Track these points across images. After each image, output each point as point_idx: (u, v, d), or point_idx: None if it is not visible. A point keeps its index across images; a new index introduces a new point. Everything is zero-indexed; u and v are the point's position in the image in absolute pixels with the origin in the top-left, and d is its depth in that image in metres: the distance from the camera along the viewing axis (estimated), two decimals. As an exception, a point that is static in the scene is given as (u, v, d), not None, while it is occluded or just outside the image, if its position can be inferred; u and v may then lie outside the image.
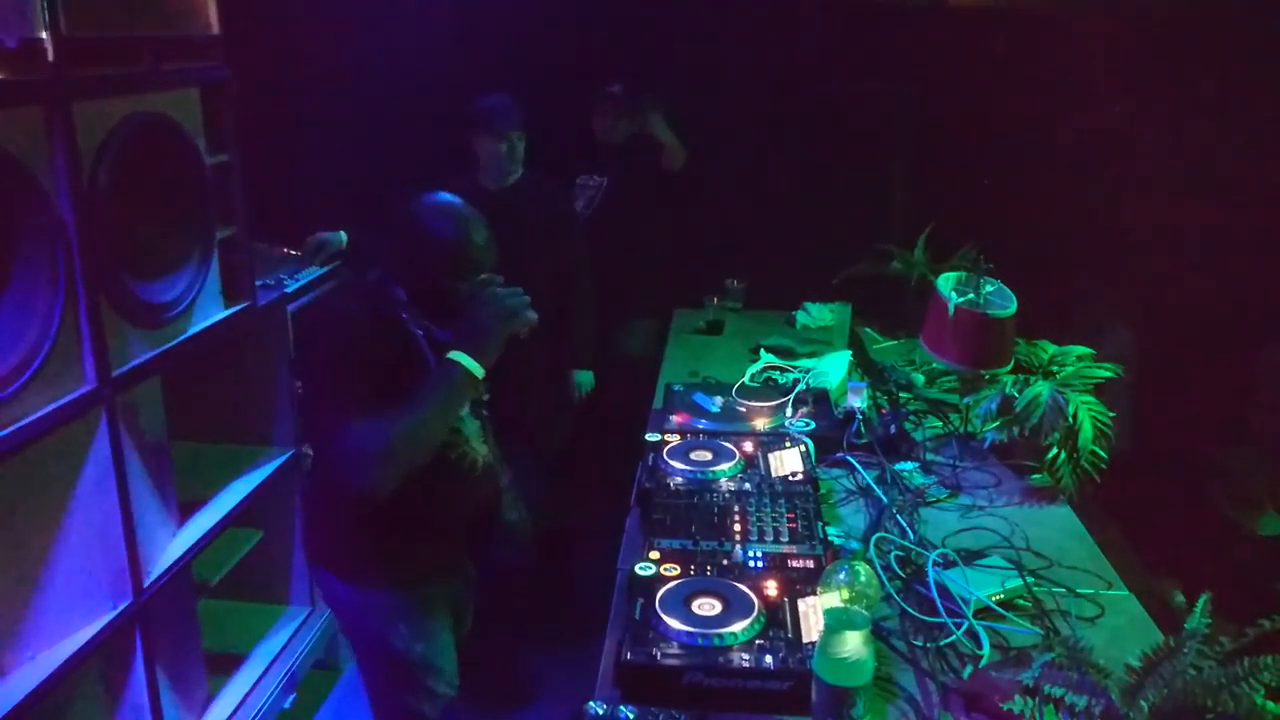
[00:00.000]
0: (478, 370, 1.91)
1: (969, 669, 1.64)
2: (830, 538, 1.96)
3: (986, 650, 1.69)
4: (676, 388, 2.79)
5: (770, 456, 2.28)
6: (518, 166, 3.32)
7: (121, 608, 2.09)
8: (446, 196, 2.06)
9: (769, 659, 1.56)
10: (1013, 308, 2.39)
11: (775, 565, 1.83)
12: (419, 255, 1.99)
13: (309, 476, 2.19)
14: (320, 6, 3.94)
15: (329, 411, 1.92)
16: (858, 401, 2.53)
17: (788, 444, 2.33)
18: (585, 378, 3.48)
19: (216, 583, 2.63)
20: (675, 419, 2.57)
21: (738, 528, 1.96)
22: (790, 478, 2.17)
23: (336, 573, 2.15)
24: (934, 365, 2.70)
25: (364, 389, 1.87)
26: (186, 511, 2.44)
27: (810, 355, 3.08)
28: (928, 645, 1.72)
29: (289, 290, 2.92)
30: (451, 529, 2.19)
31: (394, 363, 1.94)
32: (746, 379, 2.89)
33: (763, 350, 3.14)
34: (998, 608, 1.79)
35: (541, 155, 3.66)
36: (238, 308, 2.49)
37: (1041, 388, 2.30)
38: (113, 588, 2.09)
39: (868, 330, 3.51)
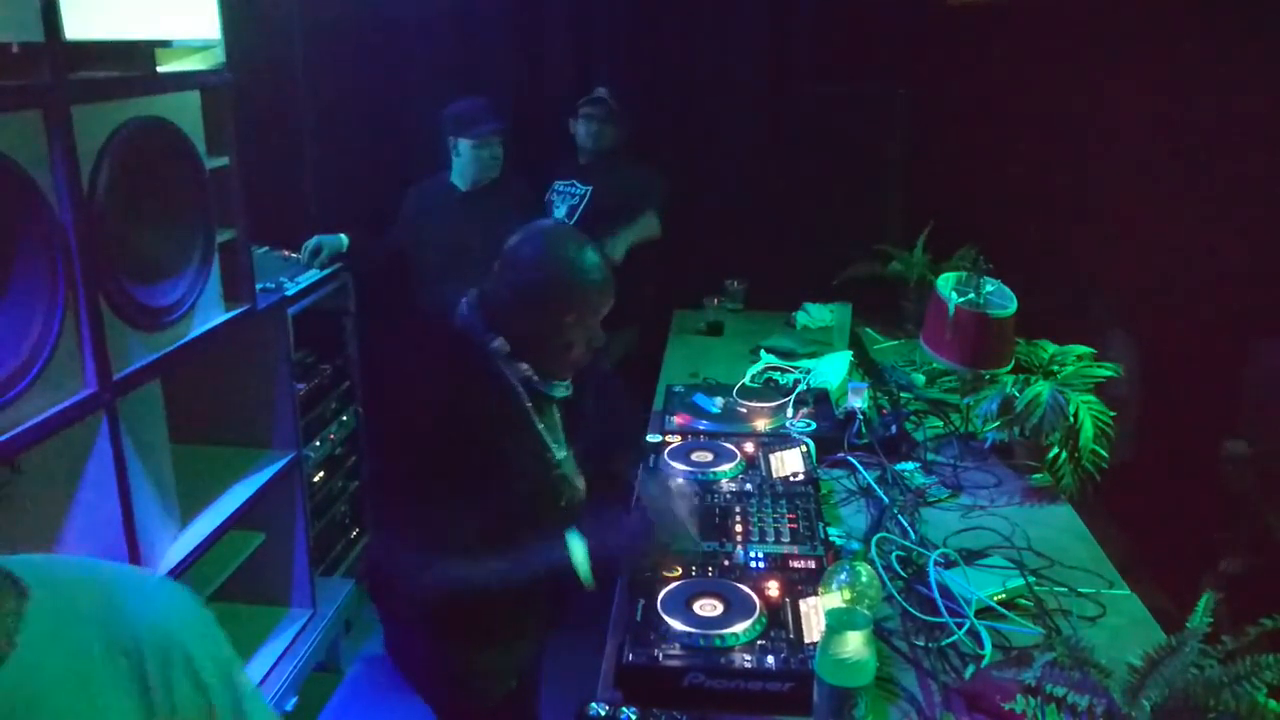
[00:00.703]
0: (586, 579, 1.66)
1: (970, 669, 1.64)
2: (831, 538, 1.97)
3: (988, 650, 1.69)
4: (677, 389, 2.80)
5: (771, 457, 2.28)
6: (496, 170, 3.34)
7: (123, 611, 2.08)
8: (556, 228, 1.89)
9: (770, 660, 1.56)
10: (1013, 307, 2.40)
11: (776, 566, 1.83)
12: (538, 298, 1.75)
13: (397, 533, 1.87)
14: (320, 10, 3.95)
15: (413, 503, 1.73)
16: (858, 402, 2.53)
17: (788, 445, 2.34)
18: None
19: (218, 586, 2.64)
20: (676, 420, 2.57)
21: (739, 528, 1.96)
22: (791, 478, 2.18)
23: (442, 632, 1.90)
24: (934, 365, 2.71)
25: (450, 484, 1.68)
26: (188, 514, 2.44)
27: (810, 356, 3.08)
28: (929, 645, 1.72)
29: (289, 293, 2.93)
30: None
31: (488, 435, 1.75)
32: (747, 380, 2.89)
33: (763, 351, 3.14)
34: (999, 607, 1.79)
35: (524, 158, 3.69)
36: (238, 311, 2.49)
37: (1042, 387, 2.30)
38: (114, 591, 2.09)
39: (868, 330, 3.51)
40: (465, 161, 3.33)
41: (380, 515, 1.98)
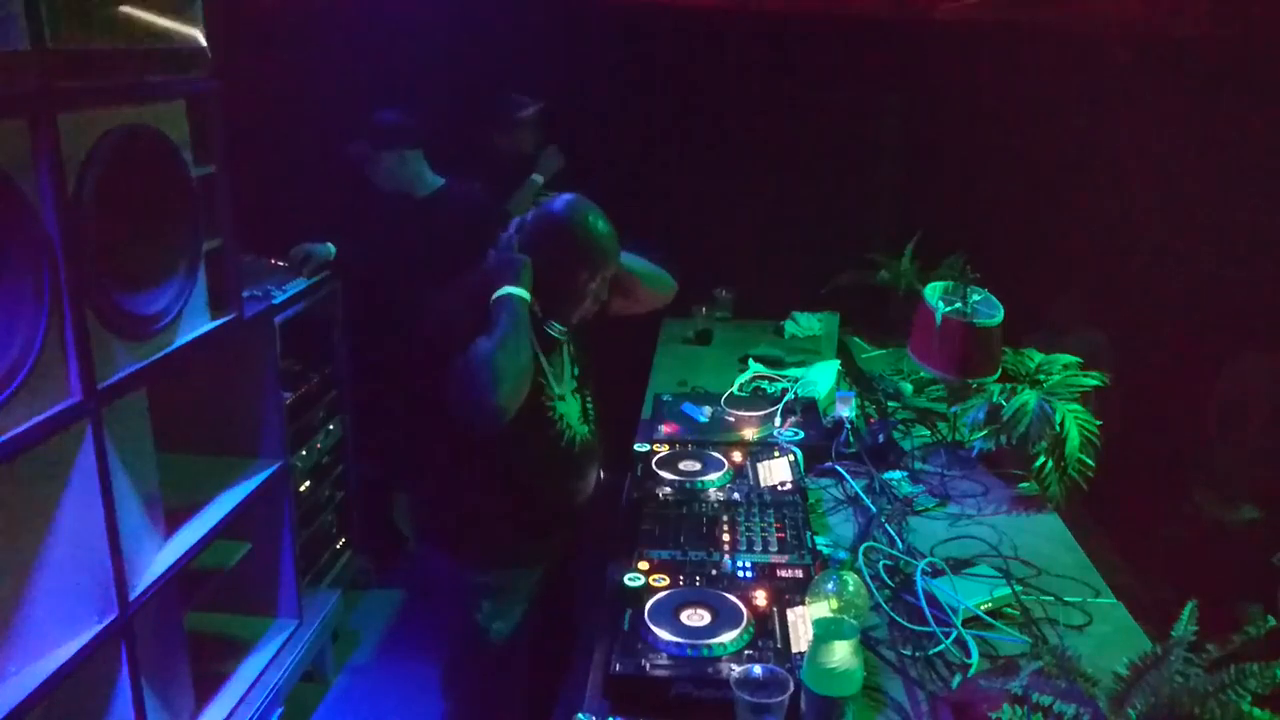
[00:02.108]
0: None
1: (958, 678, 1.65)
2: (819, 547, 1.97)
3: (975, 659, 1.69)
4: (665, 398, 2.79)
5: (759, 466, 2.28)
6: (407, 179, 3.34)
7: (107, 622, 2.07)
8: (579, 200, 2.12)
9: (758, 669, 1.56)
10: (999, 316, 2.40)
11: (764, 575, 1.83)
12: (558, 255, 2.06)
13: (429, 464, 2.29)
14: (308, 18, 3.95)
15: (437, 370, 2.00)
16: (846, 411, 2.54)
17: (776, 454, 2.34)
18: None
19: (204, 594, 2.62)
20: (664, 429, 2.57)
21: (726, 538, 1.96)
22: (779, 487, 2.18)
23: (440, 546, 2.28)
24: (922, 374, 2.71)
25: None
26: (173, 524, 2.43)
27: (799, 365, 3.08)
28: (916, 654, 1.72)
29: (276, 301, 2.92)
30: (554, 505, 2.25)
31: None
32: (735, 389, 2.89)
33: (751, 360, 3.15)
34: (986, 616, 1.80)
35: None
36: (224, 319, 2.48)
37: (1028, 396, 2.31)
38: (98, 601, 2.07)
39: (856, 339, 3.53)
40: (382, 170, 3.34)
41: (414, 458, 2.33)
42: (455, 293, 2.15)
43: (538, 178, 3.76)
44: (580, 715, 1.50)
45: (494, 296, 2.00)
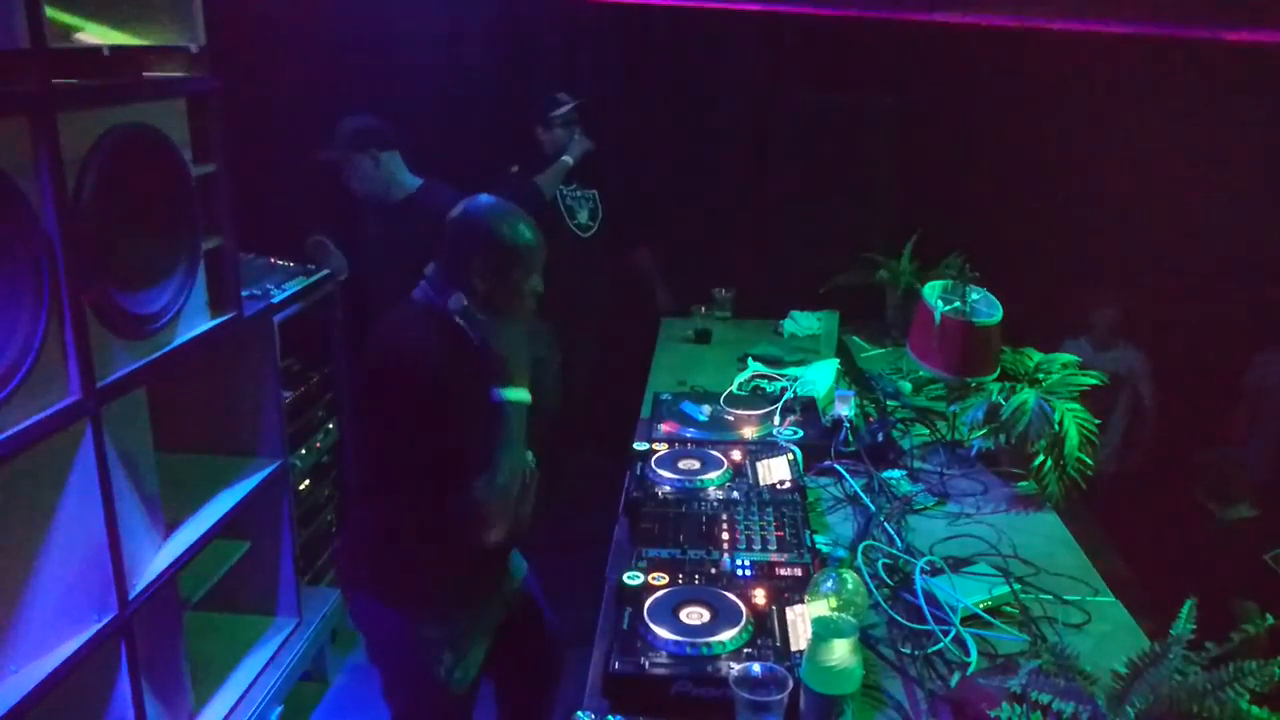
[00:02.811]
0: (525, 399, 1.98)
1: (956, 676, 1.65)
2: (818, 546, 1.97)
3: (974, 657, 1.69)
4: (664, 397, 2.79)
5: (758, 465, 2.28)
6: (390, 180, 3.31)
7: (106, 620, 2.07)
8: (498, 202, 2.09)
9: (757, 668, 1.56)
10: (998, 315, 2.40)
11: (763, 574, 1.83)
12: (492, 257, 2.02)
13: (359, 505, 2.21)
14: (309, 17, 3.95)
15: (414, 446, 1.99)
16: (845, 410, 2.54)
17: (775, 452, 2.34)
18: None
19: (203, 594, 2.62)
20: (663, 428, 2.57)
21: (726, 536, 1.96)
22: (778, 486, 2.18)
23: (386, 600, 2.10)
24: (921, 373, 2.71)
25: (449, 422, 1.93)
26: (172, 523, 2.43)
27: (798, 364, 3.08)
28: (915, 653, 1.72)
29: (275, 300, 2.92)
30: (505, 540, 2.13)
31: (466, 382, 1.97)
32: (734, 388, 2.89)
33: (750, 359, 3.15)
34: (985, 615, 1.80)
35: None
36: (224, 318, 2.48)
37: (1027, 395, 2.31)
38: (97, 600, 2.07)
39: (855, 338, 3.53)
40: (356, 174, 3.32)
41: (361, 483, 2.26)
42: (411, 324, 2.04)
43: (567, 159, 3.84)
44: (579, 714, 1.50)
45: (498, 400, 1.94)
